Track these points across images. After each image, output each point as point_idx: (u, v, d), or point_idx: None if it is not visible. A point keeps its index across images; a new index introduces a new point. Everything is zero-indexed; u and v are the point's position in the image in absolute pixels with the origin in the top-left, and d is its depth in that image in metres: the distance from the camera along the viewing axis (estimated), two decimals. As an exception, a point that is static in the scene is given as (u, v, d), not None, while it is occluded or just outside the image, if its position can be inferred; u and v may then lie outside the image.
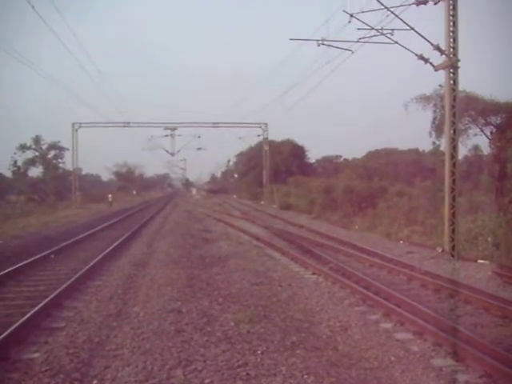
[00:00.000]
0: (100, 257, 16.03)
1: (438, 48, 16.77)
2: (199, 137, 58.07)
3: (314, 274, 14.17)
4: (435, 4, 16.86)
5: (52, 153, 69.42)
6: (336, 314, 9.71)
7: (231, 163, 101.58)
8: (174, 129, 55.57)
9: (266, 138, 58.33)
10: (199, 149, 62.05)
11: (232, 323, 8.80)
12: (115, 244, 19.39)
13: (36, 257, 16.05)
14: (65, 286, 11.65)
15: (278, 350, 7.52)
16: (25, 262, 14.91)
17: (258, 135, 58.99)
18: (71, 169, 59.87)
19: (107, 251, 17.34)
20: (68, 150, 62.41)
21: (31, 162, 67.61)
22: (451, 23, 16.81)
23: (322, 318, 9.48)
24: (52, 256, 17.04)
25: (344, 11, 17.16)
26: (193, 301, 10.41)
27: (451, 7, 16.74)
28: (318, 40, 19.79)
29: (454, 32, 16.86)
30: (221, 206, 53.88)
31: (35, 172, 69.45)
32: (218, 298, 10.70)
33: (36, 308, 9.52)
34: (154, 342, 7.84)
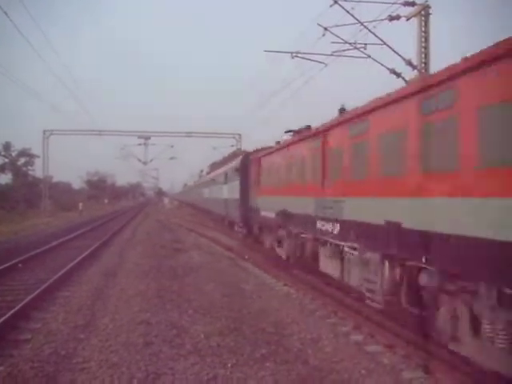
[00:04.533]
0: (69, 266, 15.77)
1: (409, 63, 17.01)
2: (172, 146, 57.78)
3: (285, 285, 14.14)
4: (407, 20, 17.16)
5: (22, 160, 68.35)
6: (307, 327, 9.68)
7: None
8: (147, 138, 55.22)
9: (240, 149, 58.31)
10: (172, 158, 61.70)
11: (202, 335, 8.71)
12: (85, 254, 19.11)
13: (3, 266, 15.68)
14: (32, 296, 11.40)
15: (248, 363, 7.46)
16: (-9, 272, 14.57)
17: (232, 145, 58.88)
18: (41, 176, 58.96)
19: (77, 261, 17.08)
20: (38, 157, 61.51)
21: (0, 169, 66.37)
22: (423, 39, 17.13)
23: (292, 330, 9.43)
24: (20, 265, 16.69)
25: (318, 25, 17.27)
26: (162, 312, 10.28)
27: (423, 23, 17.07)
28: (291, 52, 19.86)
29: (426, 48, 17.18)
30: (193, 216, 53.57)
31: (4, 179, 68.29)
32: (188, 309, 10.59)
33: (1, 319, 9.29)
34: (122, 354, 7.70)
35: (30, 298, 11.23)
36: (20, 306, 10.45)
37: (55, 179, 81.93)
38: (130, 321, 9.63)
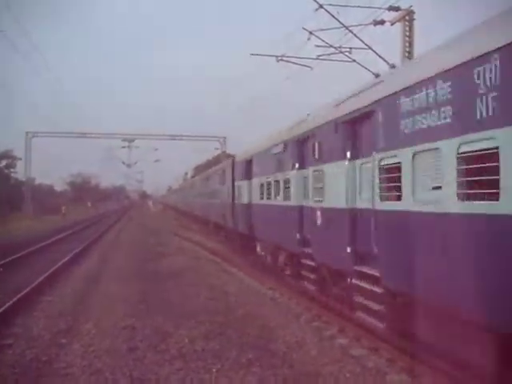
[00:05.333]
0: (51, 270, 15.58)
1: (393, 67, 17.09)
2: (156, 149, 57.67)
3: (270, 289, 14.11)
4: (392, 25, 17.31)
5: (3, 162, 67.55)
6: (292, 331, 9.64)
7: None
8: (131, 140, 55.03)
9: (224, 152, 58.27)
10: (156, 161, 61.55)
11: (186, 340, 8.63)
12: (68, 257, 18.92)
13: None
14: (13, 300, 11.23)
15: (234, 367, 7.40)
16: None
17: (216, 148, 58.85)
18: (24, 178, 58.32)
19: (59, 265, 16.89)
20: (20, 159, 60.83)
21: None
22: (407, 44, 17.31)
23: (278, 334, 9.39)
24: (0, 269, 16.46)
25: (304, 28, 17.30)
26: (147, 317, 10.18)
27: (407, 28, 17.25)
28: (277, 56, 19.87)
29: (410, 52, 17.34)
30: (177, 220, 53.35)
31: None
32: (172, 313, 10.50)
33: (-19, 325, 9.14)
34: (106, 360, 7.59)
35: (11, 302, 11.05)
36: (0, 310, 10.29)
37: (37, 181, 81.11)
38: (114, 325, 9.52)
